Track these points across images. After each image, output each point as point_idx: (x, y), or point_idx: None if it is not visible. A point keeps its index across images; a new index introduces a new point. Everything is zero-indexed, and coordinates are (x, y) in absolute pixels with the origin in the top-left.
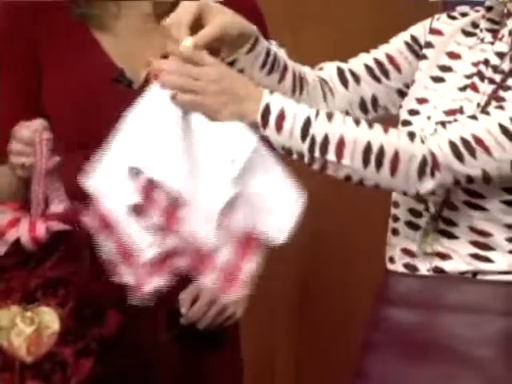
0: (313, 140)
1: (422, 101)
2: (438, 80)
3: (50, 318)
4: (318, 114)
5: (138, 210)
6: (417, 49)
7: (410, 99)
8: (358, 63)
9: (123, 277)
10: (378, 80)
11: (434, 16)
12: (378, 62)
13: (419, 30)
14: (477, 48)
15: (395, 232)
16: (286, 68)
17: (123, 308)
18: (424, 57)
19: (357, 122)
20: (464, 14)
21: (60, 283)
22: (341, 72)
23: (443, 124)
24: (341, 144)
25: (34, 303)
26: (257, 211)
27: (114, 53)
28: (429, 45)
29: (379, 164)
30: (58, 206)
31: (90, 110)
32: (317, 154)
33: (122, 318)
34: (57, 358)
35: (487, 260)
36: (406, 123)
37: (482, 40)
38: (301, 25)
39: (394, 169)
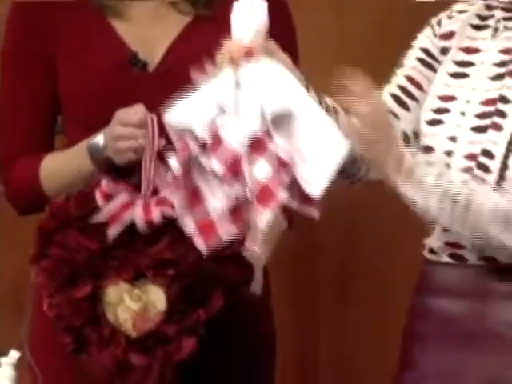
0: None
1: (447, 98)
2: (459, 76)
3: (157, 297)
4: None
5: (206, 152)
6: (430, 61)
7: (431, 98)
8: (385, 96)
9: (188, 227)
10: (406, 107)
11: (431, 24)
12: (402, 88)
13: (425, 41)
14: (501, 36)
15: (439, 227)
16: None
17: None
18: (443, 63)
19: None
20: (462, 12)
21: (169, 264)
22: None
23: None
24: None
25: (143, 281)
26: (295, 159)
27: (130, 38)
28: (445, 50)
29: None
30: (168, 193)
31: (107, 94)
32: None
33: (225, 299)
34: (161, 335)
35: None
36: (436, 122)
37: (506, 28)
38: (344, 4)
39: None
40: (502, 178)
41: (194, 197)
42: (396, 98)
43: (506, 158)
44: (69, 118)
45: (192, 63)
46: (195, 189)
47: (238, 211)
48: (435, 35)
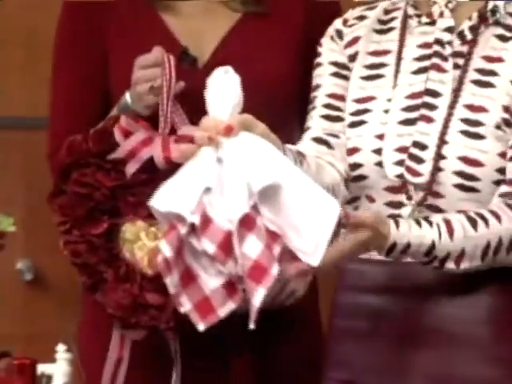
0: (434, 257)
1: (365, 100)
2: (373, 78)
3: None
4: (440, 235)
5: (195, 233)
6: (344, 72)
7: (348, 103)
8: (317, 122)
9: (184, 306)
10: (340, 120)
11: (331, 37)
12: (328, 105)
13: (332, 55)
14: (415, 32)
15: None
16: (304, 157)
17: None
18: (353, 69)
19: (474, 226)
20: (361, 17)
21: None
22: (319, 140)
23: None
24: (461, 255)
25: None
26: (289, 231)
27: (180, 32)
28: (352, 57)
29: (496, 253)
30: (187, 129)
31: None
32: (436, 264)
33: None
34: None
35: None
36: (357, 124)
37: (419, 23)
38: None
39: (510, 250)
40: (436, 168)
41: (187, 276)
42: (327, 117)
43: (439, 147)
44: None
45: (243, 60)
46: (187, 268)
47: (233, 286)
48: (340, 47)
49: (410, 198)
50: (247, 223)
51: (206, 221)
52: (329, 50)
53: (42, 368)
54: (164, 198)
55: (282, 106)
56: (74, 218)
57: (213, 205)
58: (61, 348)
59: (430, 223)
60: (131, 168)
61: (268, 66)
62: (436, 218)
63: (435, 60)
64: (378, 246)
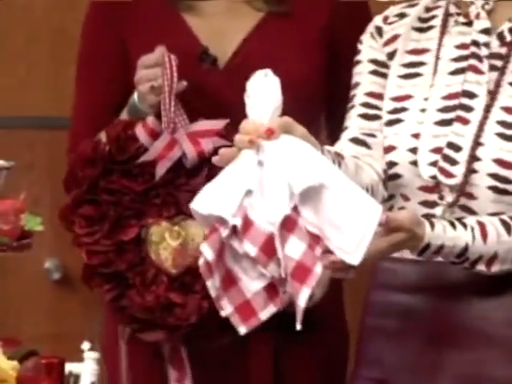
0: (466, 259)
1: (402, 98)
2: (411, 76)
3: (195, 231)
4: (474, 238)
5: (237, 236)
6: (383, 70)
7: (385, 102)
8: (355, 121)
9: (225, 309)
10: (378, 118)
11: (371, 35)
12: (366, 104)
13: (372, 52)
14: (453, 31)
15: None
16: (343, 158)
17: None
18: (391, 67)
19: (508, 230)
20: (402, 15)
21: None
22: (356, 140)
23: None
24: (493, 258)
25: (182, 217)
26: (329, 231)
27: (202, 32)
28: (391, 55)
29: None
30: (201, 124)
31: None
32: (466, 265)
33: None
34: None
35: None
36: (394, 122)
37: (456, 22)
38: None
39: None
40: (470, 170)
41: (228, 279)
42: (365, 116)
43: (473, 149)
44: None
45: (264, 60)
46: (228, 271)
47: (274, 288)
48: (379, 44)
49: (441, 197)
50: (288, 225)
51: (248, 223)
52: (368, 48)
53: (69, 367)
54: (205, 201)
55: (304, 107)
56: (106, 226)
57: (254, 207)
58: (85, 346)
59: (465, 225)
60: (161, 169)
61: (290, 66)
62: (470, 220)
63: (472, 61)
64: (412, 247)
